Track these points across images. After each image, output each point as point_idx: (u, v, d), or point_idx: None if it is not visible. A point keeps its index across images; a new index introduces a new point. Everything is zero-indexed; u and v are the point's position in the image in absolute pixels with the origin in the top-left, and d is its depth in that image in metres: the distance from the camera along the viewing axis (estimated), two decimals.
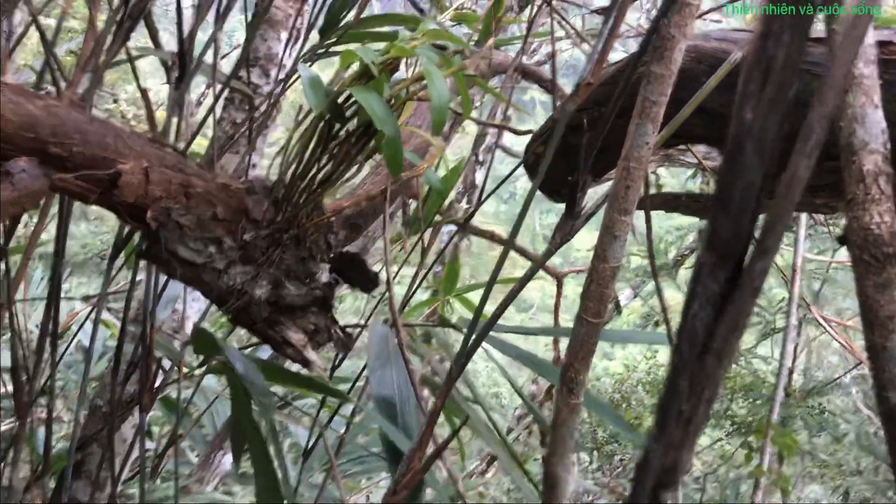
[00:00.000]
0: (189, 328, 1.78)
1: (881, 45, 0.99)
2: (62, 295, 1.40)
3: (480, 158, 4.01)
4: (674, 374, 0.33)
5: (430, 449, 0.81)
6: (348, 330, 1.12)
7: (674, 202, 1.31)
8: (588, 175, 1.33)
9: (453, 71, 0.84)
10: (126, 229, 1.14)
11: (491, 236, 2.61)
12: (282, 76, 1.91)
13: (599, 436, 5.52)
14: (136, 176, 0.85)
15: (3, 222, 0.95)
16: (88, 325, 1.83)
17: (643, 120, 0.79)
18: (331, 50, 1.32)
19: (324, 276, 1.02)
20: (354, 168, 0.95)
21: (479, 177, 4.14)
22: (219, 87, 1.41)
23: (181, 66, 1.17)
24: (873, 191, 0.61)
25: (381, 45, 0.89)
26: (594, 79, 1.16)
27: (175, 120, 1.21)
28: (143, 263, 1.18)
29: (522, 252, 2.14)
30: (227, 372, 1.25)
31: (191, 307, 1.82)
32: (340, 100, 0.87)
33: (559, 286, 2.90)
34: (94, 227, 8.46)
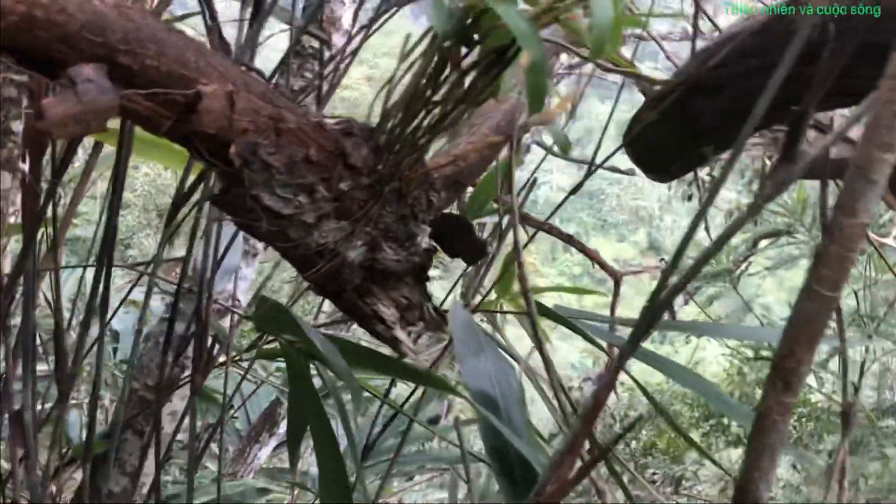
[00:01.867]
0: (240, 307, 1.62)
1: None
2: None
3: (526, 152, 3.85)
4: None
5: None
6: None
7: None
8: (710, 149, 1.16)
9: None
10: (189, 179, 0.99)
11: (569, 238, 2.44)
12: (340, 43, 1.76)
13: (633, 446, 5.32)
14: (219, 100, 0.70)
15: (65, 140, 0.79)
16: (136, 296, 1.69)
17: None
18: None
19: (424, 240, 0.86)
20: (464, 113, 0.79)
21: (519, 175, 3.97)
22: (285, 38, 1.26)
23: (256, 1, 1.01)
24: None
25: None
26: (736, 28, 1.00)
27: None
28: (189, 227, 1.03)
29: (601, 264, 1.97)
30: (291, 354, 1.10)
31: (239, 284, 1.67)
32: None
33: (617, 286, 2.72)
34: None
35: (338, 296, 0.84)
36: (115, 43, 0.64)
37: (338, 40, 1.77)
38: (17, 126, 2.42)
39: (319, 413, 1.03)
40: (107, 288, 0.89)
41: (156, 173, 8.00)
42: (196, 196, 1.02)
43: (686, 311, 3.53)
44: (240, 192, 0.74)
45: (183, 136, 0.71)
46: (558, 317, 1.16)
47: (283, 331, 1.04)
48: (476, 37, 0.72)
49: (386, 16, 1.14)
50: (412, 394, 1.63)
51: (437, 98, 0.76)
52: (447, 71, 0.76)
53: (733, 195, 3.99)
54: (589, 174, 1.23)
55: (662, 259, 3.16)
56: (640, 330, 0.61)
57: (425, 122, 0.76)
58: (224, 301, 1.42)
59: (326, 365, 0.94)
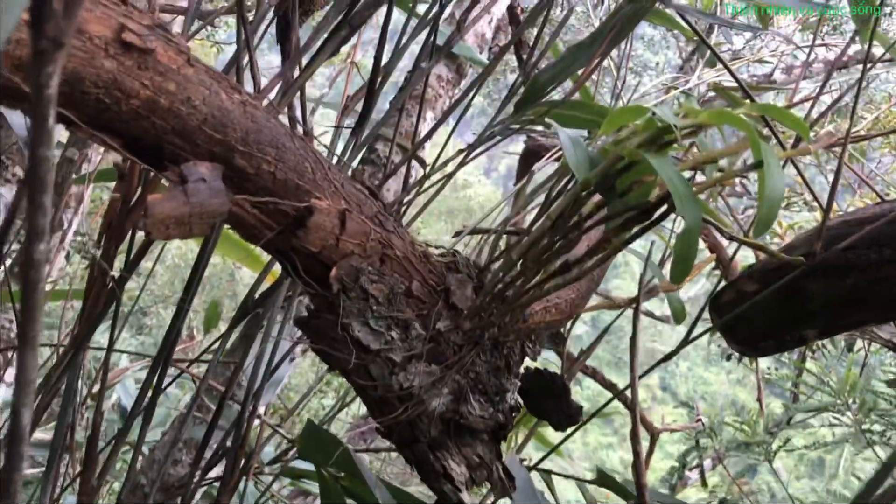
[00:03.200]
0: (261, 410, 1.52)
1: None
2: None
3: None
4: None
5: None
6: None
7: None
8: (813, 332, 1.08)
9: (792, 154, 0.62)
10: (259, 288, 0.92)
11: (611, 386, 2.33)
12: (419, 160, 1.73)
13: None
14: (331, 218, 0.63)
15: (163, 241, 0.72)
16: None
17: None
18: (525, 128, 1.12)
19: (513, 395, 0.77)
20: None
21: None
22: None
23: (365, 109, 0.97)
24: None
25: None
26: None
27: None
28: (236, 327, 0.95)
29: (642, 420, 1.86)
30: (330, 487, 0.99)
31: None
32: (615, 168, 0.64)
33: (653, 442, 2.58)
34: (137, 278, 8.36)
35: (407, 446, 0.75)
36: (234, 143, 0.58)
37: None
38: (73, 188, 2.39)
39: None
40: (157, 393, 0.80)
41: (188, 248, 8.02)
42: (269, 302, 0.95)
43: (713, 478, 3.34)
44: (329, 319, 0.66)
45: (282, 250, 0.65)
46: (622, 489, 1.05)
47: (333, 465, 0.94)
48: (618, 189, 0.66)
49: (485, 145, 1.09)
50: None
51: (559, 246, 0.69)
52: (573, 220, 0.69)
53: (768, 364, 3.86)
54: (636, 316, 1.13)
55: (699, 420, 3.04)
56: None
57: (548, 268, 0.69)
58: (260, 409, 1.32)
59: None
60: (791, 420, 3.10)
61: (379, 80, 0.92)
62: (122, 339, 6.14)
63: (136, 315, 8.19)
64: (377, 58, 0.92)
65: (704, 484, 3.03)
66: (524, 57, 1.61)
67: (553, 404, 0.78)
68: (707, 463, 3.15)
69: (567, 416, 0.78)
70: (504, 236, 0.85)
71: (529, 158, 1.67)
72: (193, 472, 1.01)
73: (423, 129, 1.75)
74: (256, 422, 1.38)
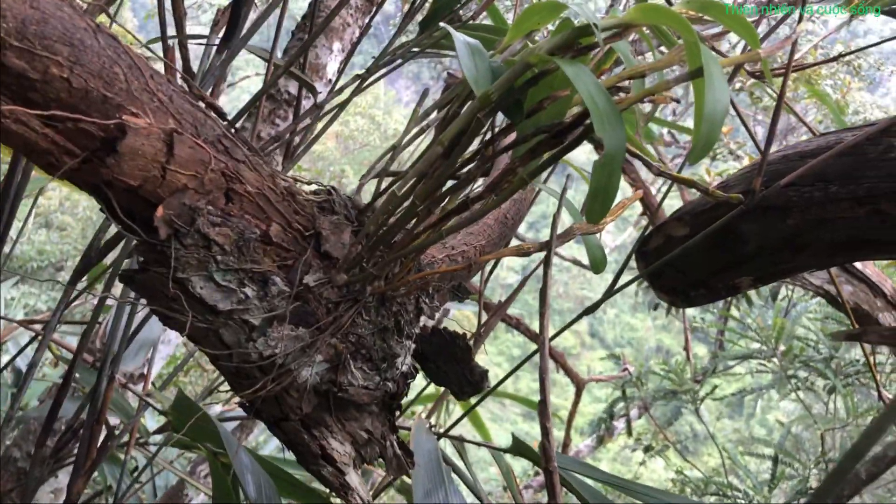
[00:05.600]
0: (154, 375, 1.37)
1: None
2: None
3: None
4: None
5: None
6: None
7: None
8: (748, 280, 0.98)
9: (738, 60, 0.49)
10: (104, 234, 0.76)
11: (528, 333, 2.24)
12: (324, 94, 1.57)
13: None
14: (151, 141, 0.48)
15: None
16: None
17: None
18: (428, 50, 0.98)
19: (405, 360, 0.64)
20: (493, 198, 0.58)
21: None
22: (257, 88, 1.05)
23: (232, 20, 0.81)
24: None
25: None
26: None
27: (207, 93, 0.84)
28: (108, 288, 0.80)
29: (566, 370, 1.79)
30: (215, 467, 0.86)
31: (158, 351, 1.41)
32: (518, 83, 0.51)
33: (578, 393, 2.51)
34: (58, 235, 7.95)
35: (276, 423, 0.62)
36: (4, 34, 0.43)
37: (319, 89, 1.58)
38: None
39: None
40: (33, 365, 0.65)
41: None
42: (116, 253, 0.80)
43: (639, 425, 3.32)
44: (160, 273, 0.51)
45: (92, 183, 0.50)
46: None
47: (205, 440, 0.81)
48: (525, 107, 0.52)
49: (385, 69, 0.94)
50: None
51: (460, 179, 0.56)
52: (473, 145, 0.56)
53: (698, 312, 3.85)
54: (547, 262, 1.02)
55: (626, 369, 2.99)
56: None
57: (444, 206, 0.56)
58: (136, 372, 1.17)
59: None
60: (716, 369, 3.09)
61: None
62: (30, 293, 5.82)
63: (50, 271, 7.81)
64: None
65: (630, 434, 3.01)
66: None
67: (454, 369, 0.66)
68: (634, 412, 3.13)
69: (470, 382, 0.66)
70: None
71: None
72: (38, 449, 0.86)
73: (330, 60, 1.58)
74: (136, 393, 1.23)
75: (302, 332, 0.56)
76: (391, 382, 0.63)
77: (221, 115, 0.54)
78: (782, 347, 2.62)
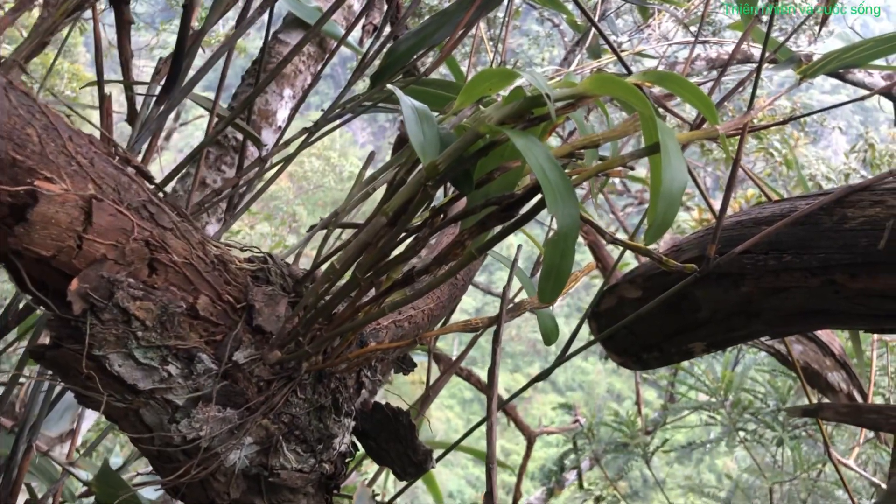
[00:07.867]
0: (81, 438, 1.29)
1: None
2: None
3: None
4: None
5: None
6: None
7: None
8: (701, 345, 0.96)
9: (696, 136, 0.48)
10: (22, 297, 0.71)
11: (468, 376, 2.20)
12: (271, 141, 1.53)
13: None
14: (67, 208, 0.44)
15: None
16: None
17: None
18: (380, 105, 0.95)
19: (343, 441, 0.60)
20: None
21: None
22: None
23: (173, 70, 0.77)
24: None
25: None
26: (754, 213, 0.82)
27: (143, 147, 0.80)
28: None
29: (517, 423, 1.76)
30: None
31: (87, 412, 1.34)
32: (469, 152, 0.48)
33: (529, 445, 2.48)
34: None
35: None
36: None
37: (267, 137, 1.54)
38: None
39: None
40: None
41: None
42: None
43: (590, 475, 3.28)
44: (74, 350, 0.47)
45: (1, 251, 0.45)
46: None
47: None
48: (475, 178, 0.50)
49: (335, 122, 0.91)
50: None
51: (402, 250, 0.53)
52: (418, 216, 0.53)
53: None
54: (496, 340, 1.00)
55: (577, 421, 2.97)
56: None
57: (390, 276, 0.53)
58: (60, 437, 1.10)
59: None
60: (667, 421, 3.09)
61: (188, 40, 0.73)
62: None
63: None
64: (185, 15, 0.73)
65: (581, 486, 2.97)
66: (378, 25, 1.44)
67: (397, 448, 0.62)
68: (585, 464, 3.10)
69: (413, 462, 0.62)
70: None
71: (403, 147, 1.51)
72: None
73: (280, 107, 1.55)
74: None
75: (230, 414, 0.52)
76: (327, 464, 0.59)
77: (149, 178, 0.50)
78: (731, 398, 2.63)
